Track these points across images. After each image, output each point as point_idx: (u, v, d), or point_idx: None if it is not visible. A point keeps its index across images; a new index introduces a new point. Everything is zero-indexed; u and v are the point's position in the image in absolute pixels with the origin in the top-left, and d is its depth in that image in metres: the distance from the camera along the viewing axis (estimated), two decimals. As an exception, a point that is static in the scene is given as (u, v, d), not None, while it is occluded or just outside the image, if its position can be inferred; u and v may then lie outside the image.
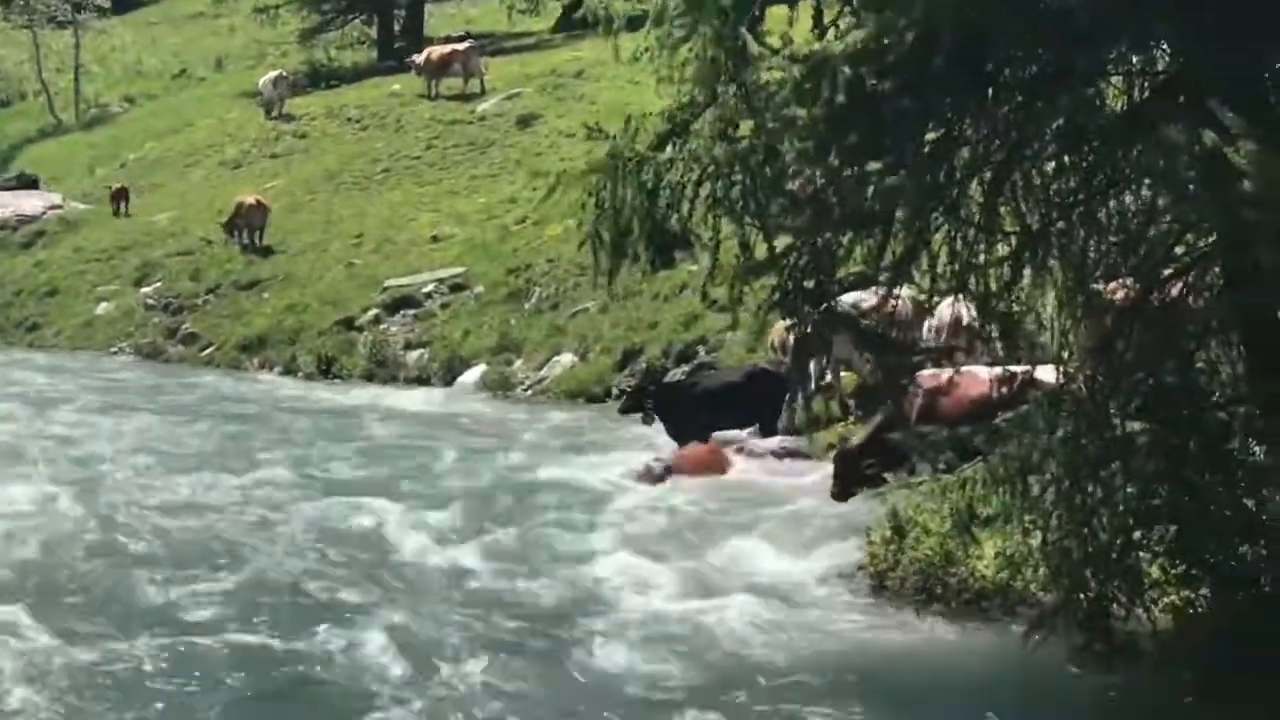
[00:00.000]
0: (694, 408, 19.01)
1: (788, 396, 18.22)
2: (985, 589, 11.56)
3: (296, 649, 11.22)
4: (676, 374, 21.58)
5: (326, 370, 28.21)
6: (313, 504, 16.13)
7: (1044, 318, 10.84)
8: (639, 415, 19.56)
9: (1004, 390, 10.94)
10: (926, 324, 15.53)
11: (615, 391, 23.30)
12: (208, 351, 30.93)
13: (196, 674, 10.71)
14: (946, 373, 13.59)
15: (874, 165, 9.28)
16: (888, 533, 12.31)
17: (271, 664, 10.99)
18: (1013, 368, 10.86)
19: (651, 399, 19.40)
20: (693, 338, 23.48)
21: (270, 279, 32.51)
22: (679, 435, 18.76)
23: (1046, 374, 10.79)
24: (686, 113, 10.15)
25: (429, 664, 10.90)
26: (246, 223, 33.85)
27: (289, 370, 28.70)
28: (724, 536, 14.25)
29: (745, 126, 9.83)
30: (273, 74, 44.62)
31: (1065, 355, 10.50)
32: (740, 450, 18.23)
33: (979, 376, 12.60)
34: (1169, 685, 9.97)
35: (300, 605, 12.42)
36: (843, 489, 14.25)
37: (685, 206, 10.08)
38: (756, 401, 18.72)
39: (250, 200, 34.18)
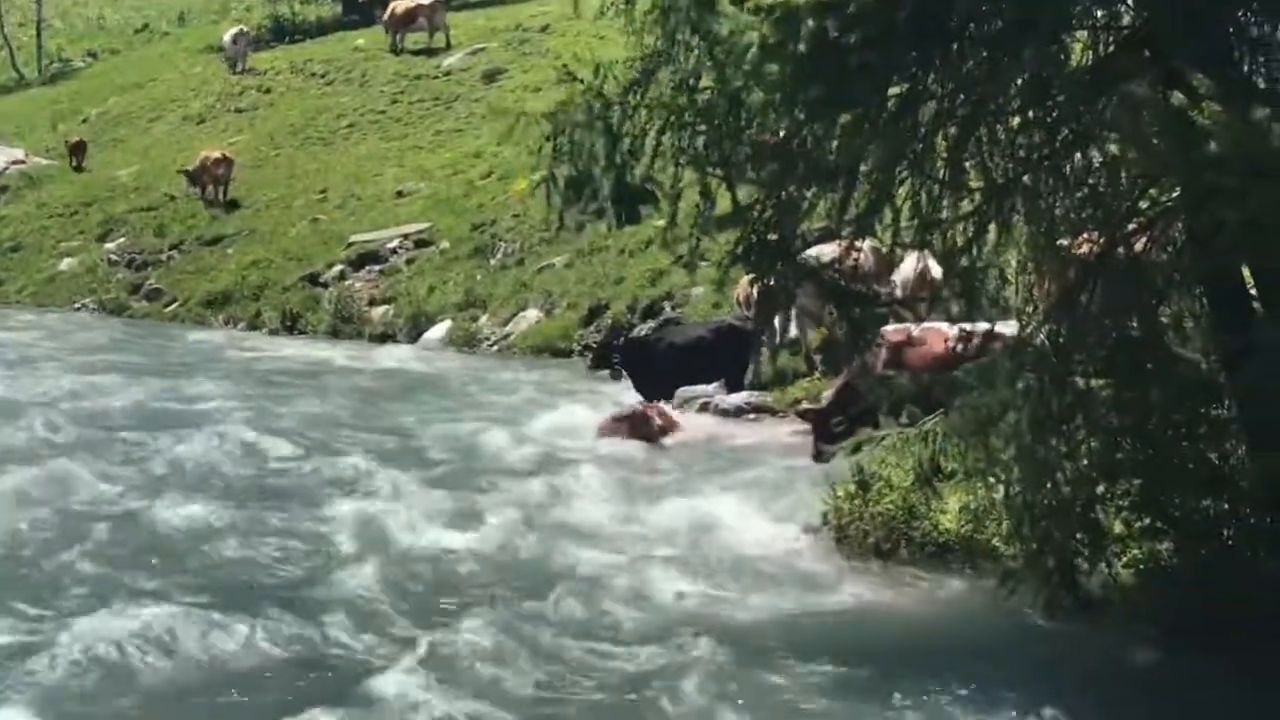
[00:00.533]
0: (660, 363, 19.03)
1: (753, 351, 18.25)
2: (948, 542, 11.59)
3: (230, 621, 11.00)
4: (643, 329, 21.60)
5: (291, 326, 28.14)
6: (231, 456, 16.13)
7: (1008, 272, 10.85)
8: (607, 371, 19.58)
9: (967, 345, 10.96)
10: (894, 278, 15.57)
11: (580, 347, 23.32)
12: (172, 307, 30.83)
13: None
14: (914, 328, 13.60)
15: (839, 119, 9.26)
16: (851, 487, 12.33)
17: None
18: (978, 323, 10.87)
19: (618, 354, 19.41)
20: (659, 293, 23.48)
21: (235, 235, 32.38)
22: (645, 390, 18.75)
23: (1011, 329, 10.82)
24: (650, 62, 10.10)
25: (374, 620, 10.88)
26: (211, 177, 33.70)
27: (254, 326, 28.60)
28: (684, 492, 14.25)
29: (708, 77, 9.78)
30: (234, 29, 44.36)
31: (1029, 309, 10.52)
32: (706, 406, 18.27)
33: (944, 331, 12.61)
34: (1134, 638, 10.01)
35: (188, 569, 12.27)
36: (819, 450, 14.17)
37: (648, 155, 10.05)
38: (723, 357, 18.74)
39: (215, 155, 34.02)
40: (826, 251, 11.84)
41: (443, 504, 13.97)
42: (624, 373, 19.28)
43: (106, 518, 13.38)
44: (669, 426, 17.01)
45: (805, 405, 15.23)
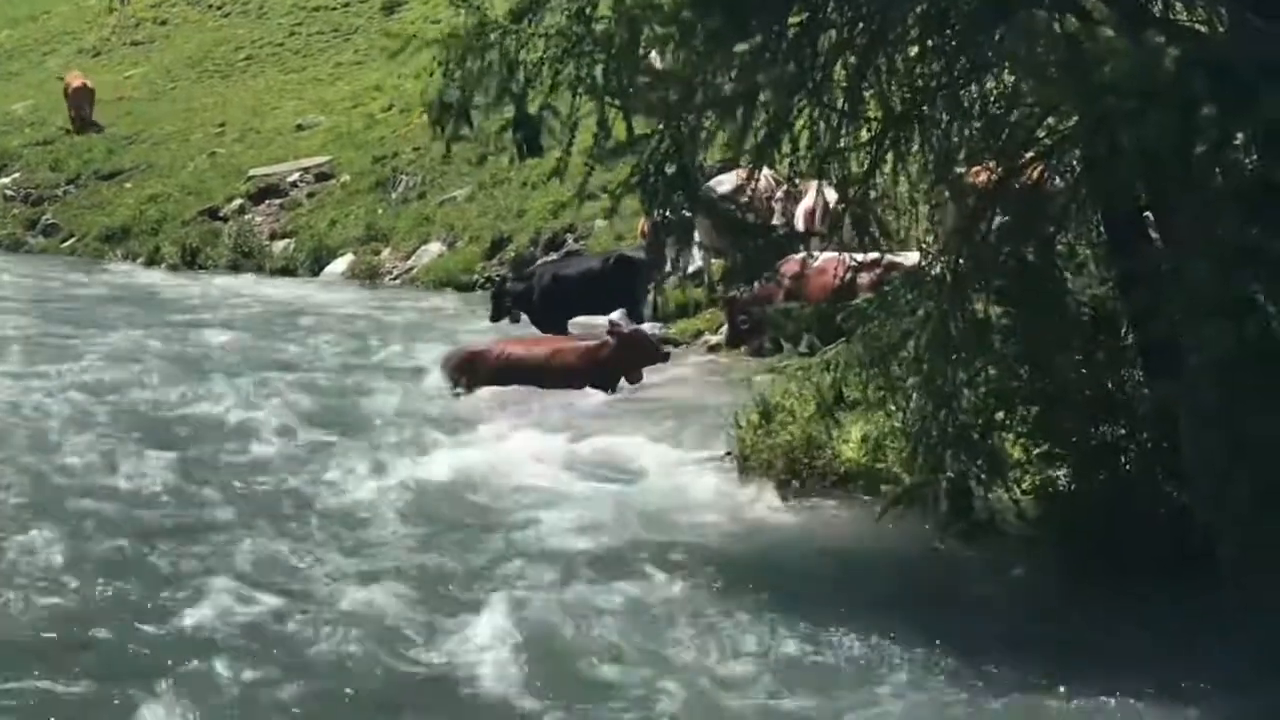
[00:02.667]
0: (551, 297, 18.91)
1: (649, 283, 18.23)
2: (850, 471, 11.65)
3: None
4: (539, 263, 21.45)
5: (191, 261, 27.82)
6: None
7: (906, 202, 10.88)
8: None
9: (867, 275, 11.01)
10: (799, 208, 15.55)
11: (483, 280, 23.25)
12: (69, 243, 30.41)
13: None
14: (822, 258, 13.54)
15: (738, 48, 9.22)
16: (755, 417, 12.37)
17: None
18: (882, 254, 10.90)
19: (510, 296, 19.18)
20: (561, 225, 23.39)
21: (132, 169, 31.96)
22: (542, 324, 18.71)
23: (912, 258, 10.86)
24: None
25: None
26: (74, 104, 33.49)
27: (152, 261, 28.25)
28: (587, 424, 14.24)
29: (606, 5, 9.71)
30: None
31: (928, 239, 10.56)
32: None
33: (845, 261, 12.60)
34: (1032, 562, 10.13)
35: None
36: (733, 335, 16.19)
37: (546, 84, 9.97)
38: (617, 288, 18.69)
39: (77, 82, 34.00)
40: (723, 181, 11.84)
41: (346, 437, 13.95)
42: (520, 314, 19.10)
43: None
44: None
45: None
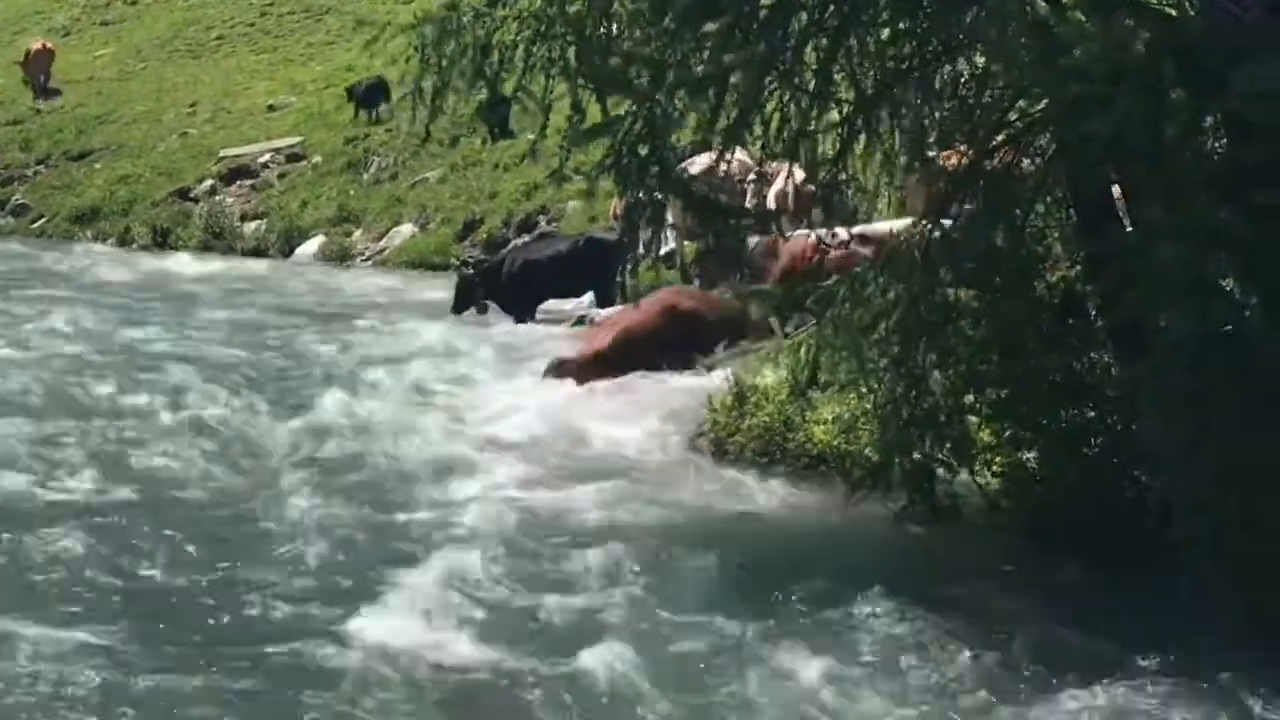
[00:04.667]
0: (519, 281, 18.84)
1: (620, 265, 18.20)
2: (823, 452, 11.67)
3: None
4: (509, 247, 21.36)
5: (162, 242, 27.75)
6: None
7: (880, 184, 10.92)
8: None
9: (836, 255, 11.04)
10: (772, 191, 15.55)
11: (457, 262, 23.25)
12: (39, 223, 30.33)
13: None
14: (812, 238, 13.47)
15: (708, 28, 9.22)
16: (728, 399, 12.39)
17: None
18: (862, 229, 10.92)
19: (482, 286, 19.05)
20: (534, 207, 23.38)
21: (102, 149, 31.88)
22: (511, 310, 18.68)
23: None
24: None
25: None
26: (33, 68, 33.92)
27: (123, 242, 28.17)
28: (561, 405, 14.19)
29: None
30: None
31: (899, 221, 10.58)
32: (581, 321, 18.24)
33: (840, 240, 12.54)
34: (999, 544, 10.16)
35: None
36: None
37: (519, 67, 9.97)
38: (587, 270, 18.67)
39: (35, 45, 34.54)
40: (699, 162, 11.83)
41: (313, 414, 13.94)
42: (489, 304, 18.97)
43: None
44: None
45: None
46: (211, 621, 9.10)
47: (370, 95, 29.04)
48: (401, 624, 8.97)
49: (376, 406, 14.39)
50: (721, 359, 12.53)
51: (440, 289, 20.81)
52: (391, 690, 8.15)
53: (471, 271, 19.51)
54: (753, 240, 13.75)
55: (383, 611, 9.17)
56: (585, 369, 14.35)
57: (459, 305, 19.09)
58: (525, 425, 13.56)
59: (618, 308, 18.07)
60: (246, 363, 16.56)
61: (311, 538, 10.49)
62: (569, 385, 14.40)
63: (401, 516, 11.17)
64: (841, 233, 10.95)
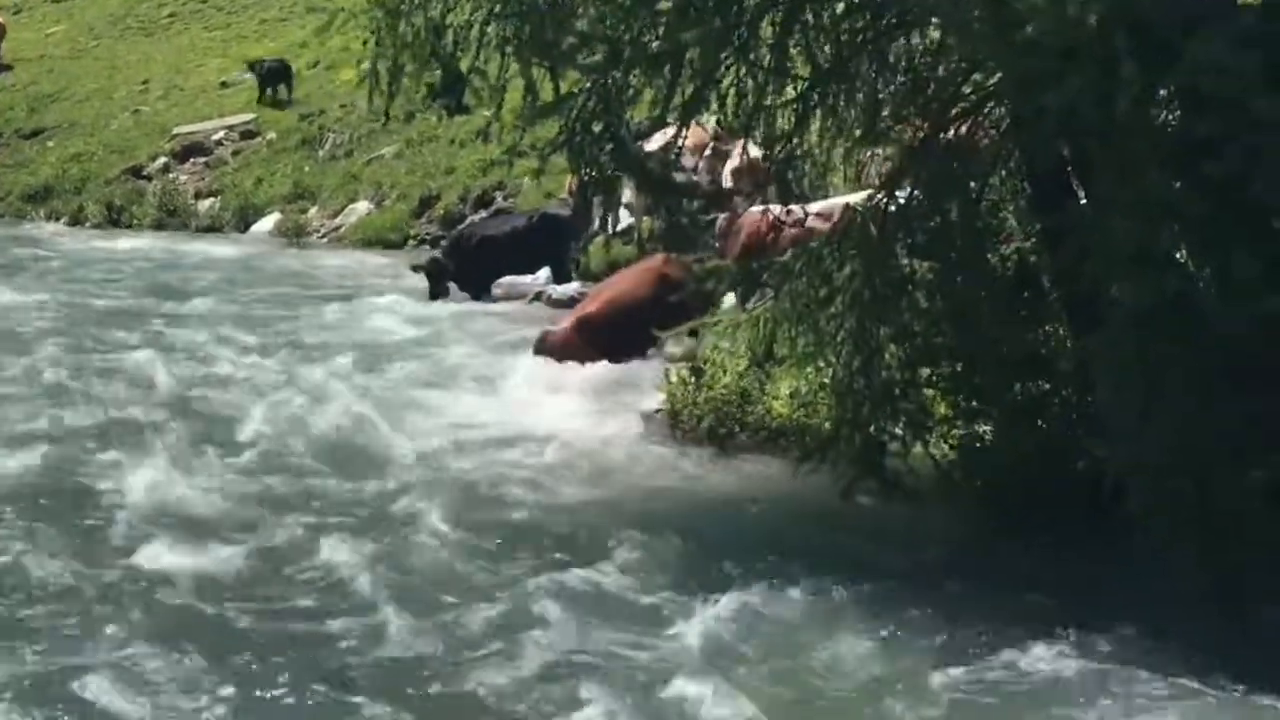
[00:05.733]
0: (477, 257, 18.80)
1: (576, 241, 18.22)
2: (781, 426, 11.69)
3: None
4: (465, 223, 21.33)
5: (116, 220, 27.59)
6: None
7: (834, 158, 10.93)
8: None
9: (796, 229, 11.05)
10: (726, 167, 15.57)
11: (415, 240, 23.26)
12: (-9, 203, 30.10)
13: None
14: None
15: (663, 4, 9.21)
16: (686, 373, 12.40)
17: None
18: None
19: (450, 262, 18.99)
20: (490, 183, 23.33)
21: (54, 127, 31.67)
22: (467, 287, 18.66)
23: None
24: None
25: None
26: None
27: (76, 220, 28.00)
28: (519, 383, 14.21)
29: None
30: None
31: (854, 194, 10.59)
32: (539, 297, 18.24)
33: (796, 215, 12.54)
34: (954, 517, 10.21)
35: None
36: None
37: (474, 46, 9.95)
38: (542, 246, 18.66)
39: None
40: (656, 139, 11.83)
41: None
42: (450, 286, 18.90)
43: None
44: None
45: None
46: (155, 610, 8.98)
47: (271, 76, 29.35)
48: (335, 603, 9.05)
49: (340, 387, 14.33)
50: (677, 332, 12.46)
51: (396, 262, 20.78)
52: (331, 676, 8.11)
53: (440, 256, 19.44)
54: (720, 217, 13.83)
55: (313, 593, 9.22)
56: (571, 340, 14.27)
57: (435, 291, 18.87)
58: (480, 405, 13.64)
59: (574, 284, 18.10)
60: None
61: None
62: (530, 359, 14.41)
63: (338, 494, 11.19)
64: (797, 209, 10.96)
